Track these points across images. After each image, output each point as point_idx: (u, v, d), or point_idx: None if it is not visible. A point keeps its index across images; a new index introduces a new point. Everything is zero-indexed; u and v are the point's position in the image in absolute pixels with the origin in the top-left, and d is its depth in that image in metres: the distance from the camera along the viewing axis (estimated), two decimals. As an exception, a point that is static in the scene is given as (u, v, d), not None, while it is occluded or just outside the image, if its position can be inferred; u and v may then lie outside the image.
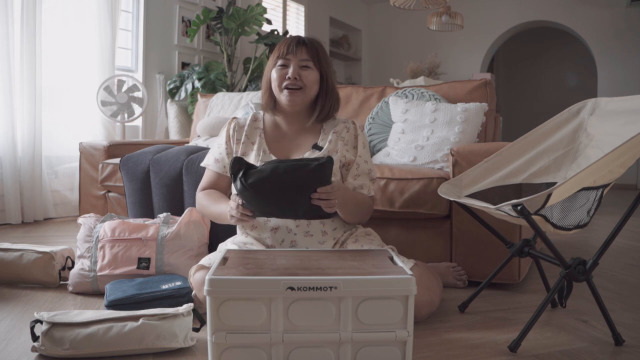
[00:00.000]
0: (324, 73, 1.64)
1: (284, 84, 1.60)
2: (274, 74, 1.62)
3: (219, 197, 1.65)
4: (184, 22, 4.87)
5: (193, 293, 1.57)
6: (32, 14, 3.41)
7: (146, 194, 2.26)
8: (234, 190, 1.66)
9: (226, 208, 1.54)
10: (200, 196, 1.70)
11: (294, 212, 1.43)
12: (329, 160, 1.39)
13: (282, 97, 1.61)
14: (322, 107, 1.65)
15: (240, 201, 1.45)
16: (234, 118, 1.74)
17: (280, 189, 1.38)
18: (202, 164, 1.75)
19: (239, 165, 1.40)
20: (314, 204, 1.40)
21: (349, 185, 1.64)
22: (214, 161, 1.71)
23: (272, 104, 1.67)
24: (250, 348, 1.17)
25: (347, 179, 1.65)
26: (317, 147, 1.63)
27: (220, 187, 1.71)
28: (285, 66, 1.61)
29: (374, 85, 3.34)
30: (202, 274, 1.50)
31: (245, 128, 1.70)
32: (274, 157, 1.62)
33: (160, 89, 4.61)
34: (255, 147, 1.66)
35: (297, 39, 1.63)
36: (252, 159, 1.63)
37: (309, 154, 1.62)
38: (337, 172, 1.63)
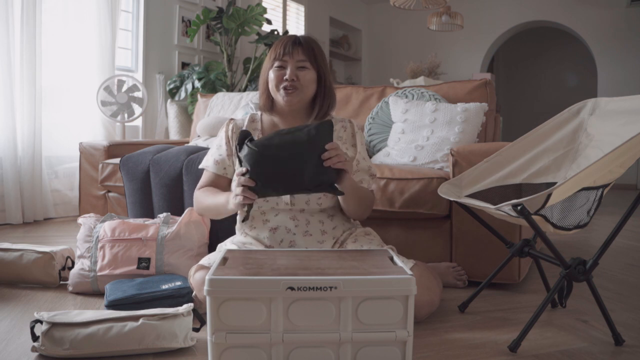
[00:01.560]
0: (321, 73, 1.63)
1: (282, 85, 1.60)
2: (271, 75, 1.62)
3: (217, 192, 1.64)
4: (184, 22, 4.87)
5: (193, 293, 1.57)
6: (32, 14, 3.41)
7: (146, 194, 2.26)
8: (236, 169, 1.63)
9: (224, 199, 1.53)
10: (198, 193, 1.69)
11: (300, 177, 1.40)
12: (328, 121, 1.43)
13: (280, 97, 1.61)
14: (321, 106, 1.65)
15: (244, 170, 1.41)
16: (232, 119, 1.73)
17: (285, 146, 1.39)
18: (200, 166, 1.73)
19: (246, 134, 1.45)
20: (326, 165, 1.39)
21: None
22: (213, 162, 1.69)
23: (269, 104, 1.67)
24: (250, 348, 1.17)
25: None
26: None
27: (219, 188, 1.69)
28: (282, 67, 1.60)
29: (374, 85, 3.34)
30: (202, 273, 1.50)
31: (243, 129, 1.69)
32: None
33: (160, 89, 4.61)
34: (254, 147, 1.66)
35: (293, 39, 1.62)
36: None
37: None
38: None
